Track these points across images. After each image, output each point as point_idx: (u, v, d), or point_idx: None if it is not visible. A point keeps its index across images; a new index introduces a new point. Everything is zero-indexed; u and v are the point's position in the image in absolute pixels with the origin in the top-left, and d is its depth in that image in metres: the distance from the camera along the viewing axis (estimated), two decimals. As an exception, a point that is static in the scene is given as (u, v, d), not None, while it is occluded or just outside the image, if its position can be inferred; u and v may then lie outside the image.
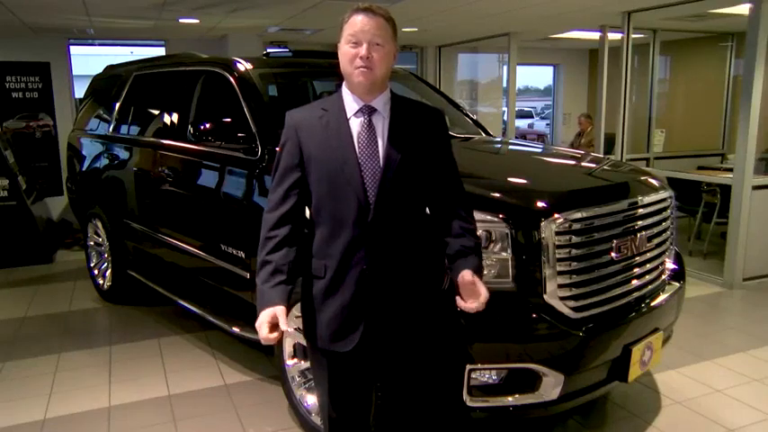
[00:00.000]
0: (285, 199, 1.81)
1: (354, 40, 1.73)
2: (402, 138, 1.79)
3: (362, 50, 1.72)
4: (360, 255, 1.75)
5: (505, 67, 8.67)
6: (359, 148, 1.76)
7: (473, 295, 1.76)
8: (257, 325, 1.73)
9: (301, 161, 1.80)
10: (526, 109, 23.64)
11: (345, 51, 1.75)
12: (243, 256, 3.09)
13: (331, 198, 1.76)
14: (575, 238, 2.38)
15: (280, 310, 1.73)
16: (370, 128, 1.78)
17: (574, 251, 2.37)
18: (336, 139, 1.77)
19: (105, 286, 4.78)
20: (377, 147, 1.77)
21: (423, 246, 1.85)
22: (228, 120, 3.14)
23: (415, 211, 1.83)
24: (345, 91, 1.83)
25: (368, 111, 1.79)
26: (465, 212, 1.90)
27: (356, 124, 1.79)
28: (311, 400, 2.76)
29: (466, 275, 1.77)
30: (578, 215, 2.39)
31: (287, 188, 1.81)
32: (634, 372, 2.55)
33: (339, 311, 1.79)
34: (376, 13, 1.75)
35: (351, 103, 1.81)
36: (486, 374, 2.35)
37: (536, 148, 4.69)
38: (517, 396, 2.35)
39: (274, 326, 1.71)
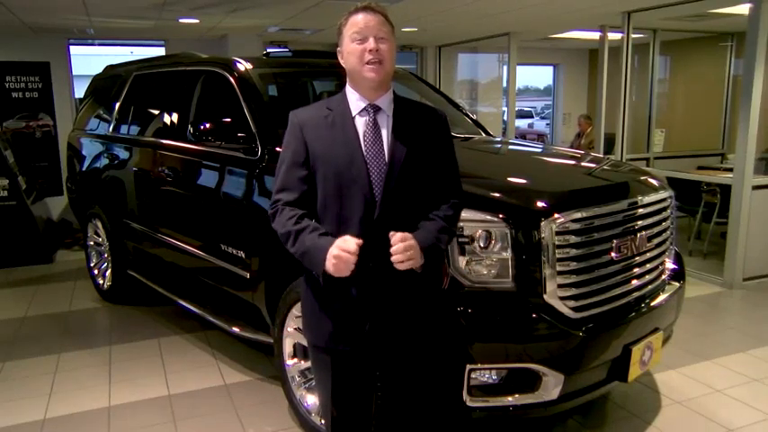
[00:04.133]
0: (294, 193, 1.81)
1: (360, 36, 1.75)
2: (406, 136, 1.80)
3: (371, 44, 1.74)
4: (365, 253, 1.75)
5: (505, 67, 8.68)
6: (365, 146, 1.77)
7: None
8: (340, 249, 1.65)
9: (307, 159, 1.81)
10: (526, 109, 23.65)
11: (352, 49, 1.76)
12: (243, 255, 3.09)
13: (337, 196, 1.77)
14: (575, 238, 2.38)
15: (347, 237, 1.68)
16: (375, 126, 1.80)
17: (574, 251, 2.37)
18: (342, 138, 1.78)
19: (105, 286, 4.78)
20: (382, 145, 1.78)
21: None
22: (228, 120, 3.14)
23: (419, 209, 1.83)
24: (350, 90, 1.84)
25: (373, 109, 1.81)
26: (456, 203, 1.89)
27: (361, 123, 1.80)
28: (311, 400, 2.76)
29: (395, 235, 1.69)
30: (578, 215, 2.39)
31: (295, 183, 1.81)
32: (634, 372, 2.55)
33: (344, 310, 1.79)
34: (375, 10, 1.78)
35: (355, 102, 1.82)
36: (486, 374, 2.35)
37: (536, 148, 4.69)
38: (517, 396, 2.35)
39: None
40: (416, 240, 1.72)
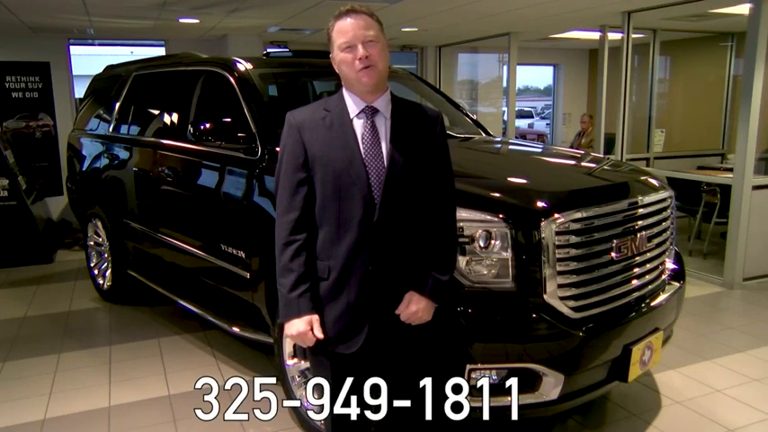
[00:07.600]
0: (295, 201, 1.80)
1: (348, 44, 1.75)
2: (404, 138, 1.80)
3: (360, 52, 1.73)
4: (364, 255, 1.75)
5: (505, 67, 8.68)
6: (363, 148, 1.77)
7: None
8: (298, 333, 1.78)
9: (306, 161, 1.80)
10: (526, 109, 23.68)
11: (343, 58, 1.77)
12: (243, 255, 3.09)
13: (336, 198, 1.76)
14: (575, 238, 2.38)
15: (315, 318, 1.79)
16: (373, 128, 1.79)
17: (574, 251, 2.37)
18: (341, 140, 1.78)
19: (105, 286, 4.78)
20: (381, 147, 1.78)
21: (424, 245, 1.85)
22: (228, 120, 3.14)
23: (417, 211, 1.83)
24: (347, 92, 1.84)
25: (370, 111, 1.80)
26: (449, 219, 1.90)
27: (359, 125, 1.80)
28: (311, 399, 2.76)
29: (404, 301, 1.82)
30: (578, 215, 2.39)
31: (295, 190, 1.80)
32: (634, 372, 2.55)
33: (344, 313, 1.79)
34: (359, 12, 1.77)
35: (353, 104, 1.81)
36: (486, 374, 2.34)
37: (536, 148, 4.69)
38: (517, 396, 2.35)
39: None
40: (421, 296, 1.81)
